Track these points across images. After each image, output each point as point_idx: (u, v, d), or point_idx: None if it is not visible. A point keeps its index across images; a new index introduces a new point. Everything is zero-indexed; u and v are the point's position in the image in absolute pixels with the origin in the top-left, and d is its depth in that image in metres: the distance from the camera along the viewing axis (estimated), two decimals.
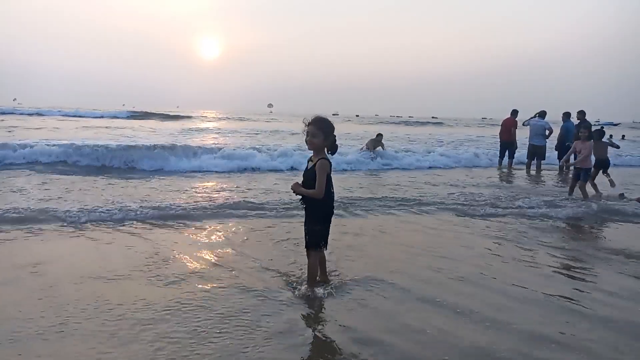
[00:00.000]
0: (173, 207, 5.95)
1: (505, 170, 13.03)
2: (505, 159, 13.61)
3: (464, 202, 7.12)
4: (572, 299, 3.44)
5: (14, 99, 78.15)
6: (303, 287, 3.40)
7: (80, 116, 39.07)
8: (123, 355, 2.45)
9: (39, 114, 39.18)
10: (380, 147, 13.98)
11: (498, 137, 14.06)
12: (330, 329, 2.90)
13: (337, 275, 3.76)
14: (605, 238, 5.70)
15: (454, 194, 8.01)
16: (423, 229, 5.51)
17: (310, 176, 3.22)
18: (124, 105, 62.70)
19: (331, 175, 3.29)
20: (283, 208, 6.19)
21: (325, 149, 3.26)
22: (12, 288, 3.31)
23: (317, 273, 3.49)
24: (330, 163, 3.23)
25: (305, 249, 3.40)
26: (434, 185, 9.23)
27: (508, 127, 13.61)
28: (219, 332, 2.73)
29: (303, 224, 3.42)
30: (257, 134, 24.94)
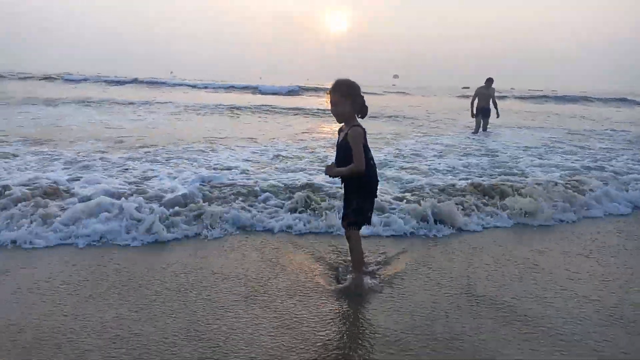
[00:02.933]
0: None
1: None
2: None
3: None
4: None
5: (171, 72, 78.52)
6: (349, 277, 2.93)
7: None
8: None
9: (231, 87, 35.94)
10: (493, 104, 11.35)
11: None
12: (377, 326, 2.45)
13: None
14: None
15: None
16: None
17: (343, 149, 2.79)
18: (260, 78, 64.79)
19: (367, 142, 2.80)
20: None
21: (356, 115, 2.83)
22: None
23: (363, 257, 3.06)
24: (364, 130, 2.78)
25: (345, 229, 2.95)
26: None
27: None
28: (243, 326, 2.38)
29: (343, 202, 2.96)
30: None
